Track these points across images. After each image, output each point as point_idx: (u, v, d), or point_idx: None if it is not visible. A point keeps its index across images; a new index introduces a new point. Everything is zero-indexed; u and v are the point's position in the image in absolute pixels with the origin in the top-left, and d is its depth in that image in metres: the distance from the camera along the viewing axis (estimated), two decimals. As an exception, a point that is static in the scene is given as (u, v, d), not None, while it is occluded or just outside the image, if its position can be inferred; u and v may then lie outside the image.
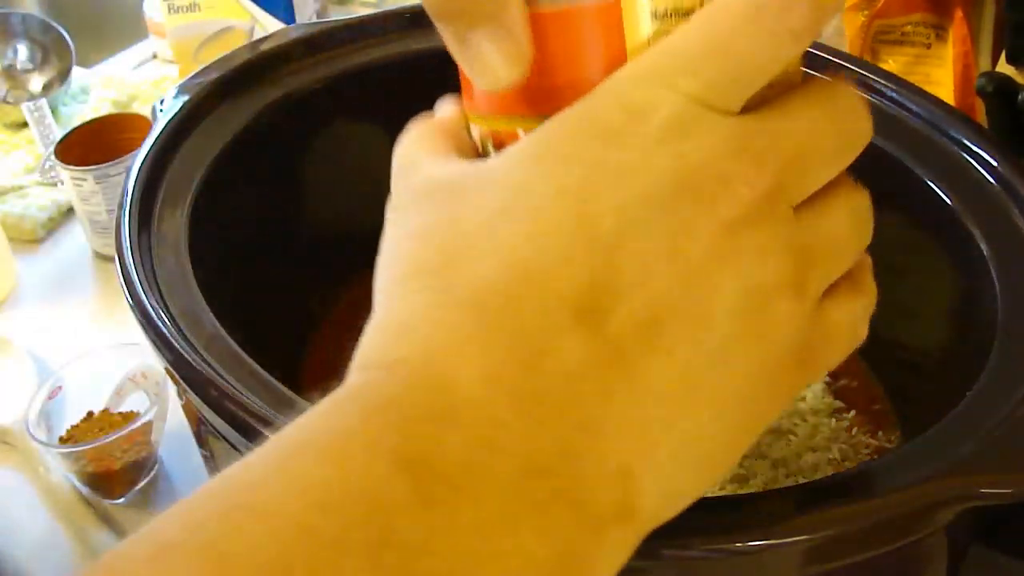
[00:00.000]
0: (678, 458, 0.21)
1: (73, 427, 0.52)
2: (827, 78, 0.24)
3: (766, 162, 0.22)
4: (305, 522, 0.18)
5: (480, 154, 0.26)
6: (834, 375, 0.45)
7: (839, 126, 0.23)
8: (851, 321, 0.24)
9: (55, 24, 0.80)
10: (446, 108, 0.28)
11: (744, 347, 0.22)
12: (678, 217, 0.21)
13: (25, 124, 0.78)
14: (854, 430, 0.42)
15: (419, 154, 0.25)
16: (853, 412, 0.43)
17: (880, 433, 0.42)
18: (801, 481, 0.39)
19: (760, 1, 0.22)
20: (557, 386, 0.20)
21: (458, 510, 0.18)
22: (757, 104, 0.23)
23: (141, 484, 0.52)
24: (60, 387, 0.52)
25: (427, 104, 0.29)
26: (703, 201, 0.21)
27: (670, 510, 0.22)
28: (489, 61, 0.23)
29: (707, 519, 0.26)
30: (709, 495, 0.37)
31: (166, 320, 0.34)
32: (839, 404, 0.43)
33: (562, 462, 0.20)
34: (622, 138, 0.21)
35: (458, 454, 0.19)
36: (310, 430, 0.20)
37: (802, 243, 0.22)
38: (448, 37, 0.23)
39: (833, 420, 0.43)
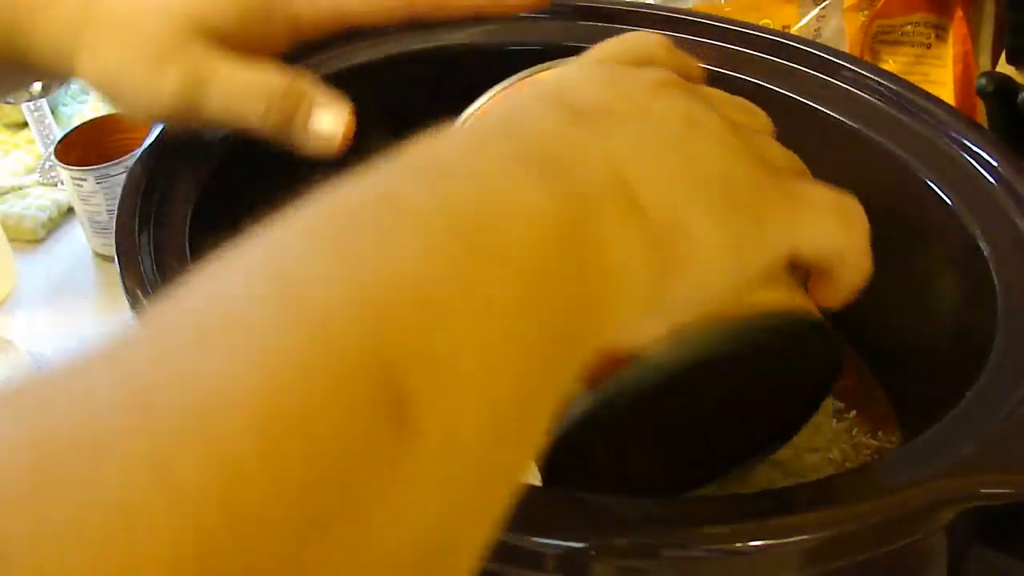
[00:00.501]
0: (669, 177, 0.24)
1: (73, 427, 0.52)
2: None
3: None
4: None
5: None
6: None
7: None
8: (783, 151, 0.30)
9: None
10: None
11: (699, 136, 0.25)
12: (625, 88, 0.26)
13: (25, 124, 0.78)
14: (854, 430, 0.42)
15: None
16: (854, 412, 0.43)
17: (880, 433, 0.42)
18: (802, 481, 0.39)
19: None
20: (535, 137, 0.23)
21: (505, 261, 0.19)
22: None
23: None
24: (60, 387, 0.52)
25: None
26: (641, 79, 0.27)
27: (673, 220, 0.24)
28: None
29: (707, 519, 0.26)
30: (710, 495, 0.37)
31: (166, 320, 0.34)
32: (839, 405, 0.43)
33: (559, 160, 0.22)
34: (592, 66, 0.28)
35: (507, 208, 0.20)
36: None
37: (723, 111, 0.27)
38: None
39: (834, 421, 0.43)
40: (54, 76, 0.41)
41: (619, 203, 0.22)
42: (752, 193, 0.25)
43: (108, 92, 0.39)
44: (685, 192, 0.24)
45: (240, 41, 0.38)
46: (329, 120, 0.38)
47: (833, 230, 0.27)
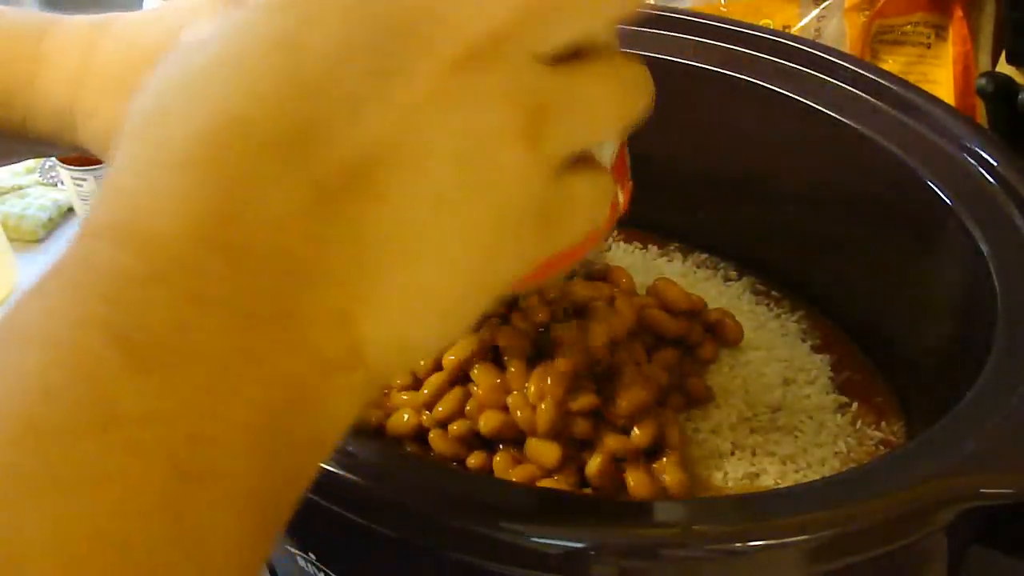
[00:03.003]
0: (403, 307, 0.21)
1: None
2: None
3: (493, 4, 0.21)
4: (31, 415, 0.17)
5: None
6: (837, 369, 0.45)
7: None
8: (594, 194, 0.24)
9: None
10: None
11: (470, 195, 0.21)
12: (394, 59, 0.20)
13: (25, 124, 0.78)
14: (858, 423, 0.42)
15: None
16: (855, 404, 0.43)
17: (884, 424, 0.43)
18: (811, 475, 0.39)
19: None
20: (265, 234, 0.19)
21: (176, 372, 0.18)
22: None
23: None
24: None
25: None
26: (420, 43, 0.21)
27: (402, 360, 0.22)
28: None
29: (707, 519, 0.26)
30: (709, 495, 0.37)
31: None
32: (843, 399, 0.44)
33: (276, 310, 0.19)
34: None
35: (167, 313, 0.18)
36: (24, 315, 0.19)
37: (542, 97, 0.22)
38: None
39: (838, 416, 0.43)
40: (54, 148, 0.40)
41: (346, 365, 0.21)
42: (519, 259, 0.23)
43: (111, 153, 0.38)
44: (427, 326, 0.22)
45: None
46: None
47: (583, 230, 0.25)
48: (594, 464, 0.36)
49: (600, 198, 0.25)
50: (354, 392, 0.21)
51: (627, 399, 0.37)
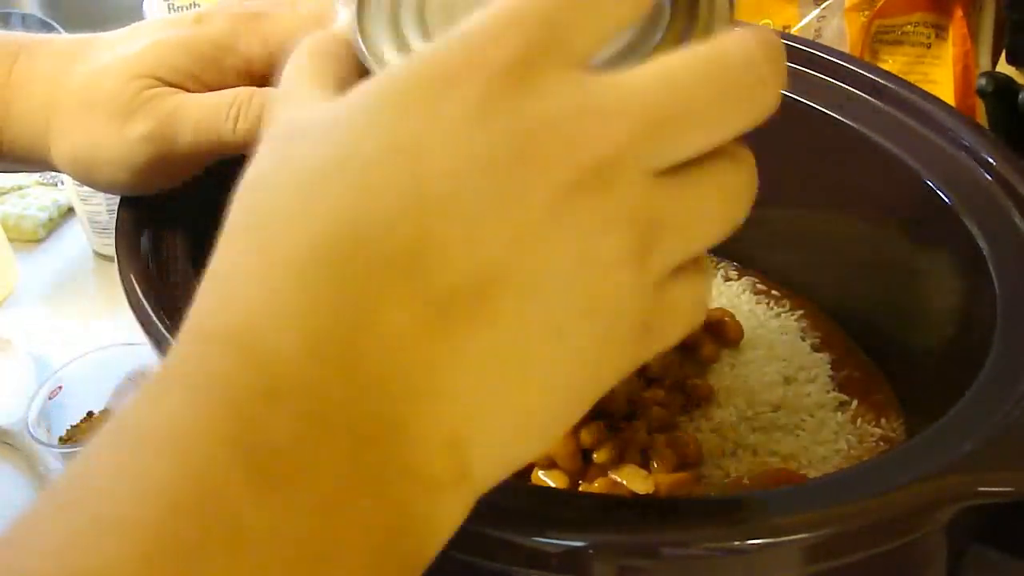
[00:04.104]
0: (508, 428, 0.21)
1: (73, 427, 0.52)
2: (732, 31, 0.22)
3: (615, 123, 0.20)
4: (160, 530, 0.17)
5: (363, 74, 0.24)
6: (837, 368, 0.45)
7: (722, 84, 0.21)
8: (694, 298, 0.23)
9: (55, 24, 0.80)
10: (342, 15, 0.26)
11: (578, 321, 0.21)
12: (512, 180, 0.20)
13: (25, 124, 0.78)
14: (858, 420, 0.43)
15: (295, 84, 0.24)
16: (855, 402, 0.43)
17: (884, 421, 0.43)
18: (812, 473, 0.39)
19: None
20: (380, 355, 0.20)
21: (296, 490, 0.18)
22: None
23: (141, 484, 0.51)
24: (60, 387, 0.52)
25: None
26: (538, 164, 0.20)
27: (504, 472, 0.22)
28: None
29: (707, 519, 0.26)
30: (709, 494, 0.37)
31: (166, 320, 0.34)
32: (843, 397, 0.44)
33: (390, 432, 0.20)
34: (460, 87, 0.20)
35: (288, 432, 0.19)
36: (147, 421, 0.19)
37: (653, 214, 0.21)
38: None
39: (838, 414, 0.43)
40: (30, 167, 0.40)
41: (454, 484, 0.21)
42: (617, 372, 0.22)
43: (84, 171, 0.38)
44: (528, 443, 0.22)
45: (195, 90, 0.38)
46: None
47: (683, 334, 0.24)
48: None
49: (700, 300, 0.24)
50: (459, 506, 0.21)
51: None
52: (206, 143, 0.37)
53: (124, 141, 0.37)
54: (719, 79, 0.21)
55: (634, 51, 0.23)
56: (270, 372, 0.19)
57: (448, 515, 0.21)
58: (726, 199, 0.22)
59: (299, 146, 0.21)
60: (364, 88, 0.21)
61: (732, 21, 0.24)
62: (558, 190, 0.20)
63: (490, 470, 0.22)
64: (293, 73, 0.24)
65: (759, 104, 0.21)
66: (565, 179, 0.20)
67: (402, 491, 0.20)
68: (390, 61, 0.24)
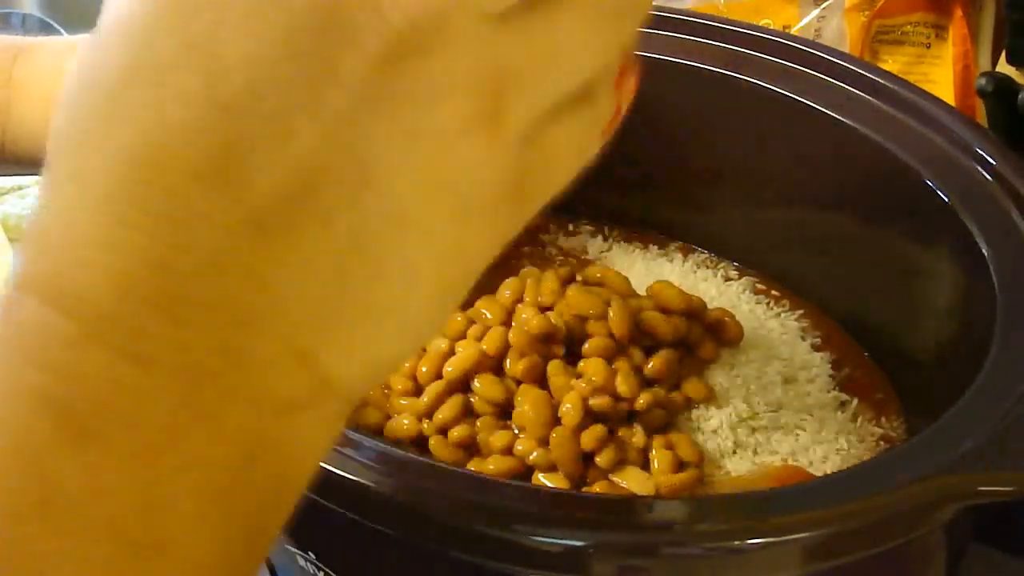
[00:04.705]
0: (367, 328, 0.19)
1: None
2: None
3: None
4: None
5: None
6: (837, 367, 0.45)
7: None
8: (575, 136, 0.21)
9: (55, 24, 0.80)
10: None
11: (425, 202, 0.19)
12: (318, 60, 0.17)
13: (25, 124, 0.78)
14: (859, 419, 0.43)
15: None
16: (856, 401, 0.43)
17: (884, 420, 0.43)
18: (813, 472, 0.39)
19: None
20: (201, 280, 0.18)
21: (116, 441, 0.17)
22: None
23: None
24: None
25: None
26: (345, 36, 0.17)
27: (376, 373, 0.21)
28: None
29: (707, 518, 0.26)
30: (709, 495, 0.37)
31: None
32: (843, 396, 0.44)
33: (225, 363, 0.18)
34: None
35: (103, 379, 0.17)
36: None
37: (498, 64, 0.18)
38: None
39: (839, 413, 0.43)
40: (30, 168, 0.40)
41: (312, 401, 0.19)
42: (493, 239, 0.20)
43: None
44: (400, 338, 0.20)
45: None
46: None
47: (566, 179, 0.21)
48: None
49: (585, 134, 0.21)
50: (324, 424, 0.20)
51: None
52: None
53: None
54: None
55: None
56: (80, 315, 0.17)
57: (312, 433, 0.20)
58: (591, 21, 0.19)
59: (102, 52, 0.19)
60: None
61: None
62: (372, 62, 0.17)
63: (357, 375, 0.20)
64: None
65: None
66: (378, 48, 0.17)
67: (246, 421, 0.18)
68: None
